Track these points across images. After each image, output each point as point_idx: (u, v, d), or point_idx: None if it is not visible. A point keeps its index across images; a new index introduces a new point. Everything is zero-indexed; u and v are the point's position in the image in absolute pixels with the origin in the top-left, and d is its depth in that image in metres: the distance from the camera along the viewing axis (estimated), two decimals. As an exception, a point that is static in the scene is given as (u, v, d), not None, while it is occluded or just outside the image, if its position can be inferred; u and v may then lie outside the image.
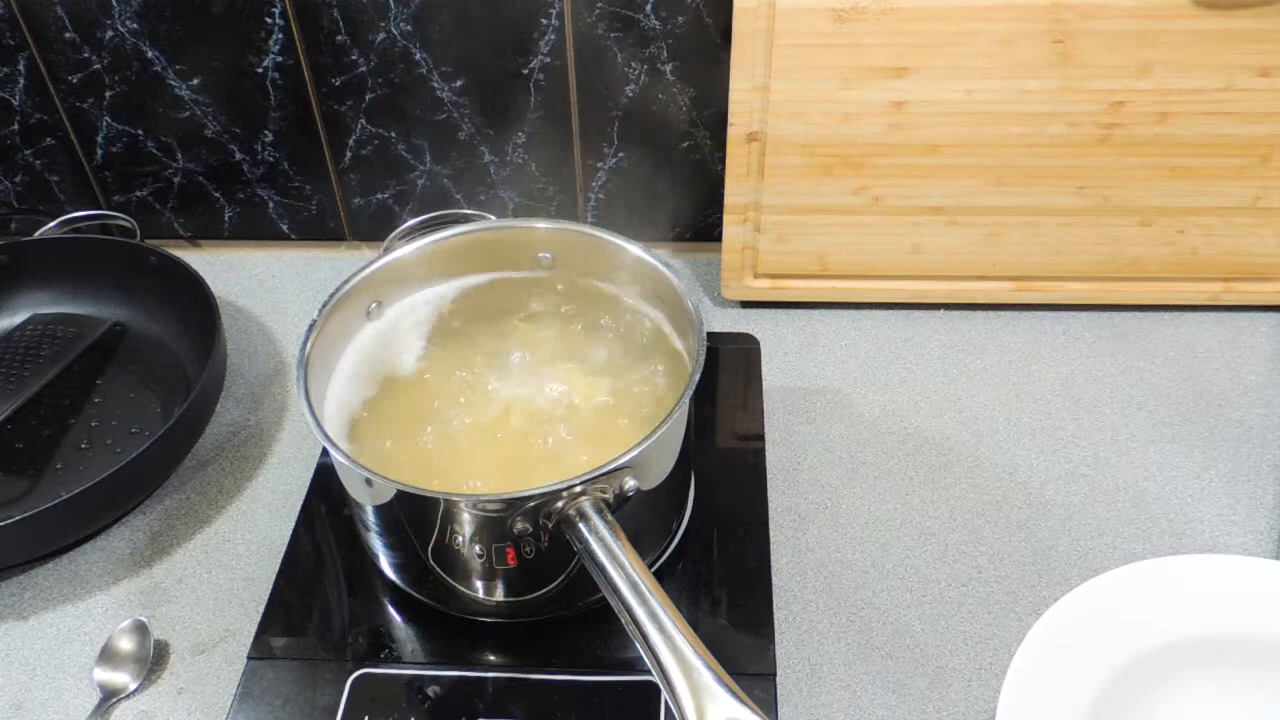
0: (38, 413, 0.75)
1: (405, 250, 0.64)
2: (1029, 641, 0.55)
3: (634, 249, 0.64)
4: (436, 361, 0.64)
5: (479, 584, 0.58)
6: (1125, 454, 0.72)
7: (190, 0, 0.78)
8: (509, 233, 0.67)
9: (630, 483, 0.53)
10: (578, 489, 0.51)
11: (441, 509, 0.54)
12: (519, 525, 0.53)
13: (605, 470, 0.52)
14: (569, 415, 0.61)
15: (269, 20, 0.79)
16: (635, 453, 0.52)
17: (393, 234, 0.84)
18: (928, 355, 0.81)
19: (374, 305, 0.65)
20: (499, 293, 0.67)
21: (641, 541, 0.62)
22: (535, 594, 0.58)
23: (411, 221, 0.85)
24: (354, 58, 0.81)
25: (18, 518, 0.62)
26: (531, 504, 0.52)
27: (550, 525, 0.52)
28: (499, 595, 0.59)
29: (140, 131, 0.86)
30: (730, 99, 0.74)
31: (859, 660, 0.61)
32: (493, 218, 0.85)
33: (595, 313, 0.66)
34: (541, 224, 0.66)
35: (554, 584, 0.58)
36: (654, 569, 0.63)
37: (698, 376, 0.55)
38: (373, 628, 0.61)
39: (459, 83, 0.81)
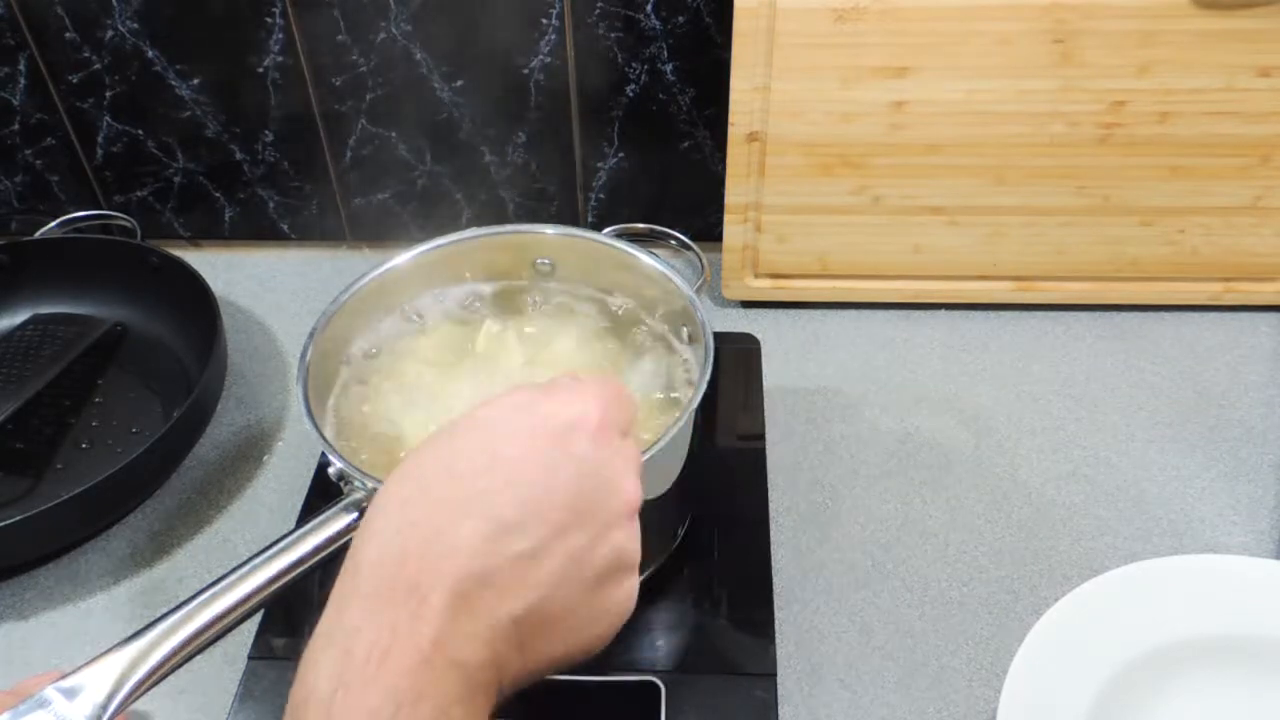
0: (38, 413, 0.75)
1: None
2: (1029, 641, 0.55)
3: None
4: (436, 367, 0.64)
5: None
6: (1125, 454, 0.72)
7: (190, 0, 0.78)
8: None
9: None
10: None
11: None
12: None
13: None
14: None
15: (269, 20, 0.79)
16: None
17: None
18: (928, 355, 0.80)
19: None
20: (498, 297, 0.67)
21: (646, 549, 0.62)
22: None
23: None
24: (354, 58, 0.80)
25: (18, 518, 0.62)
26: None
27: None
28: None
29: (140, 131, 0.86)
30: (730, 99, 0.74)
31: (859, 660, 0.61)
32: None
33: (596, 318, 0.66)
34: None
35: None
36: (656, 572, 0.63)
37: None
38: (373, 628, 0.61)
39: (459, 83, 0.81)
